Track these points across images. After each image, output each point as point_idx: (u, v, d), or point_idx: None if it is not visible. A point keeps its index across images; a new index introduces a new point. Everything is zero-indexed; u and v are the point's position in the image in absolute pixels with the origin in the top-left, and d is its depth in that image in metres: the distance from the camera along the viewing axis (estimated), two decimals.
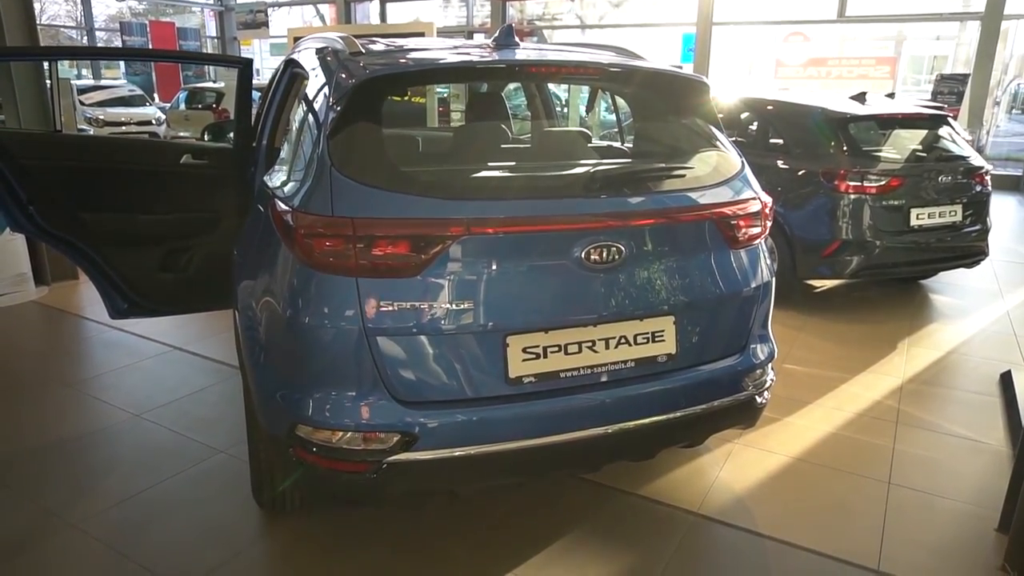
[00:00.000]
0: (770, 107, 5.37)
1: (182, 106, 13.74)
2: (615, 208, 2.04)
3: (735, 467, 2.99)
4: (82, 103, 13.76)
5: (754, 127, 5.53)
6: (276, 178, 2.32)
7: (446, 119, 6.34)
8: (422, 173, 2.13)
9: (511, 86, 4.43)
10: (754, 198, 2.33)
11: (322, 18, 19.60)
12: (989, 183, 5.16)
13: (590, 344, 2.05)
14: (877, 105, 5.21)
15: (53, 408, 3.51)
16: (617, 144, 3.09)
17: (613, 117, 3.66)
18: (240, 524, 2.58)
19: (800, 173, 4.90)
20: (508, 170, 2.24)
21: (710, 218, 2.20)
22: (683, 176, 2.27)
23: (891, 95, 6.64)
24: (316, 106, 2.15)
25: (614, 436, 2.11)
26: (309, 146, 2.10)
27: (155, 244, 3.13)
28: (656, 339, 2.13)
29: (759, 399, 2.42)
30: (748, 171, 2.41)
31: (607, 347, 2.07)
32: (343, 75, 2.12)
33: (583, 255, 1.97)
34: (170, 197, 3.10)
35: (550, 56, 2.38)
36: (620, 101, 3.08)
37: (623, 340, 2.09)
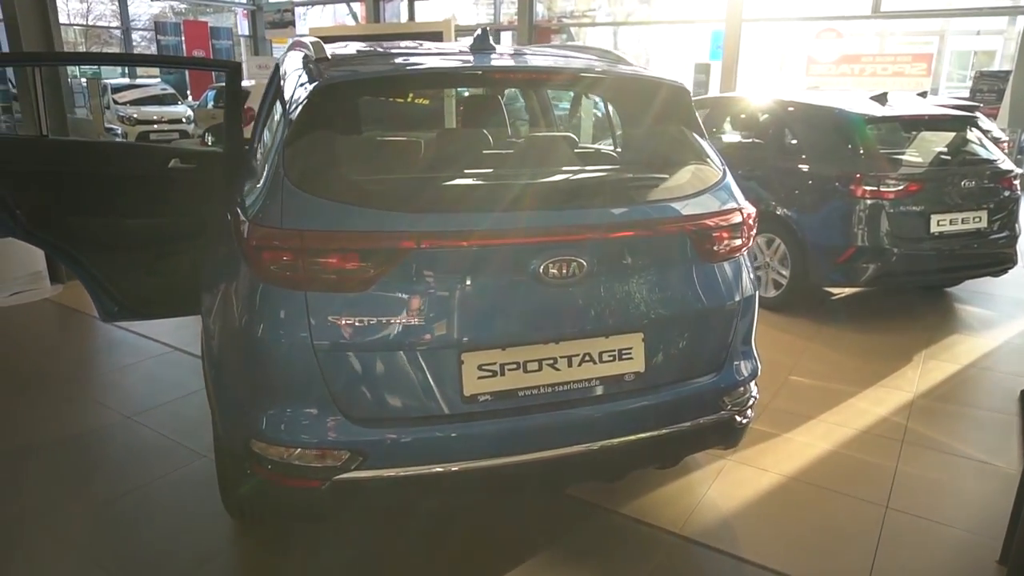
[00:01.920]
0: (785, 108, 5.20)
1: (210, 104, 13.95)
2: (575, 221, 1.95)
3: (725, 485, 2.88)
4: (116, 102, 14.07)
5: (770, 129, 5.35)
6: (245, 186, 2.29)
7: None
8: (379, 183, 2.07)
9: (509, 91, 4.36)
10: (734, 209, 2.22)
11: (354, 16, 19.72)
12: (1019, 187, 4.92)
13: (551, 362, 1.97)
14: (898, 106, 5.00)
15: (50, 407, 3.55)
16: (607, 149, 3.00)
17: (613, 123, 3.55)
18: (213, 532, 2.56)
19: (815, 176, 4.73)
20: (474, 179, 2.17)
21: (682, 230, 2.10)
22: (654, 186, 2.18)
23: (923, 94, 6.40)
24: (276, 114, 2.12)
25: (577, 457, 2.03)
26: (270, 155, 2.07)
27: (142, 248, 3.13)
28: (623, 357, 2.04)
29: (740, 419, 2.31)
30: (730, 180, 2.31)
31: (570, 365, 1.99)
32: (303, 82, 2.08)
33: (541, 270, 1.89)
34: (157, 202, 3.10)
35: (514, 61, 2.31)
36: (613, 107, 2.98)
37: (587, 358, 2.01)
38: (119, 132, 12.86)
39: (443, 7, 18.51)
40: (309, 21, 18.64)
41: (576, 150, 2.79)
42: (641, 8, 15.43)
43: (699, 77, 12.79)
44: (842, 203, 4.56)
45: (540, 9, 15.70)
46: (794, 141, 5.02)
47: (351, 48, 2.44)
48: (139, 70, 18.24)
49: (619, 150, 2.92)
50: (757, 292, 2.38)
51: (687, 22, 14.21)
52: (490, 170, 2.26)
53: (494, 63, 2.25)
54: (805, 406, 3.57)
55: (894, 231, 4.52)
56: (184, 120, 14.14)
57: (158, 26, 16.53)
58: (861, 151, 4.58)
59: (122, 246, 3.12)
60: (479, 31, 2.39)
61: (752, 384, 2.38)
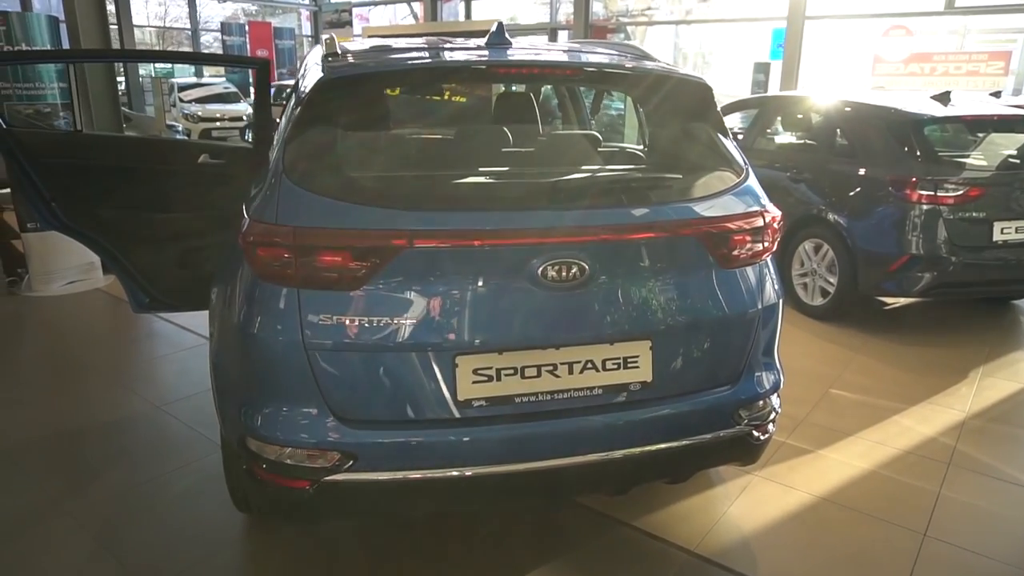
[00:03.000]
0: (838, 107, 4.95)
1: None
2: (577, 222, 1.86)
3: (749, 503, 2.74)
4: (181, 100, 14.59)
5: (821, 129, 5.12)
6: (255, 183, 2.29)
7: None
8: (379, 180, 2.03)
9: (547, 89, 4.27)
10: (756, 212, 2.09)
11: (415, 16, 19.97)
12: None
13: (551, 368, 1.89)
14: (962, 106, 4.69)
15: (86, 394, 3.66)
16: (633, 148, 2.89)
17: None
18: (223, 525, 2.57)
19: (867, 180, 4.49)
20: (476, 178, 2.10)
21: (696, 233, 1.98)
22: (668, 186, 2.07)
23: (996, 94, 6.03)
24: (287, 111, 2.10)
25: (577, 469, 1.94)
26: (274, 152, 2.05)
27: (172, 241, 3.19)
28: (629, 365, 1.95)
29: (757, 435, 2.18)
30: (753, 181, 2.18)
31: (570, 372, 1.91)
32: (308, 79, 2.06)
33: (539, 272, 1.82)
34: (187, 196, 3.15)
35: (523, 57, 2.23)
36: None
37: (589, 365, 1.92)
38: (179, 129, 13.33)
39: (502, 6, 18.53)
40: (373, 20, 18.99)
41: (600, 149, 2.70)
42: (700, 7, 15.07)
43: (758, 77, 12.43)
44: (895, 208, 4.31)
45: (598, 8, 15.53)
46: (846, 142, 4.78)
47: (367, 44, 2.41)
48: (206, 70, 18.88)
49: (646, 149, 2.81)
50: (781, 300, 2.24)
51: (748, 20, 13.80)
52: (497, 169, 2.19)
53: (499, 58, 2.19)
54: (844, 422, 3.38)
55: (952, 239, 4.24)
56: (244, 118, 14.55)
57: (224, 27, 17.09)
58: (917, 153, 4.31)
59: (153, 239, 3.18)
60: (495, 25, 2.33)
61: (774, 398, 2.24)
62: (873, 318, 4.80)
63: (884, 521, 2.63)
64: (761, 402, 2.18)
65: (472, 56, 2.27)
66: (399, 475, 1.85)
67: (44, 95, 5.12)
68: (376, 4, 17.63)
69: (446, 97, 5.06)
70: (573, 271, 1.83)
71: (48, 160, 2.93)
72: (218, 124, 14.28)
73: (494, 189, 2.01)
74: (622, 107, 10.11)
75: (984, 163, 4.48)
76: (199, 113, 14.38)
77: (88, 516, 2.62)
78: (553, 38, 15.80)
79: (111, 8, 16.60)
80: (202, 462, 2.99)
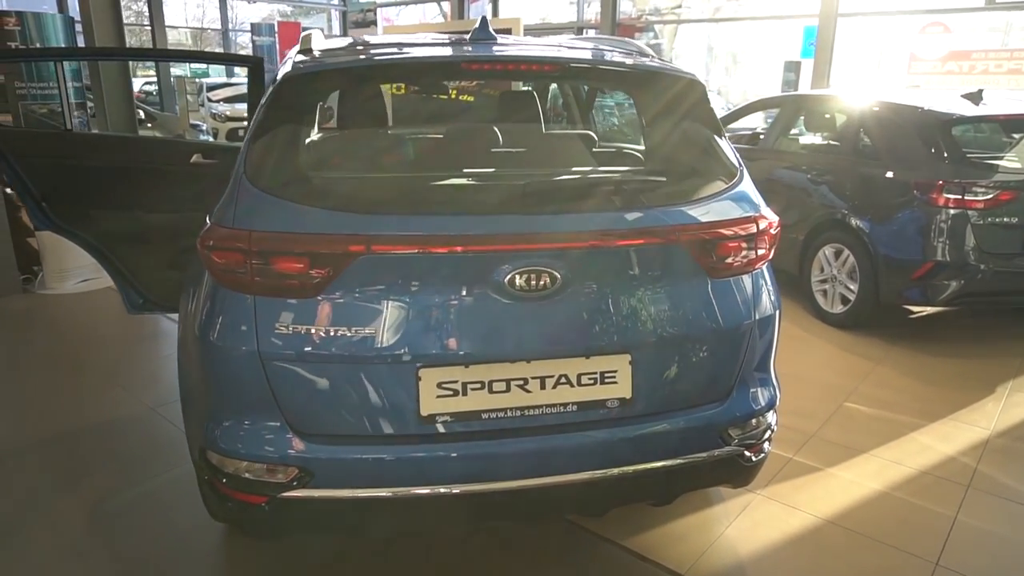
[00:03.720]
0: (862, 107, 4.74)
1: None
2: (548, 228, 1.75)
3: (748, 523, 2.59)
4: (210, 99, 14.74)
5: (845, 129, 4.92)
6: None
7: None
8: (341, 182, 1.94)
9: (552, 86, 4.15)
10: (748, 218, 1.95)
11: (444, 16, 19.93)
12: None
13: (521, 383, 1.78)
14: (995, 105, 4.45)
15: (83, 394, 3.65)
16: (630, 149, 2.75)
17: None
18: (201, 533, 2.51)
19: (890, 182, 4.28)
20: (446, 180, 2.00)
21: (680, 241, 1.85)
22: (652, 190, 1.94)
23: None
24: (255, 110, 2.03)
25: (550, 490, 1.83)
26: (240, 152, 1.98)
27: (164, 242, 3.15)
28: (606, 380, 1.82)
29: (750, 455, 2.04)
30: (747, 184, 2.03)
31: (543, 387, 1.79)
32: (275, 77, 1.97)
33: (507, 281, 1.70)
34: (179, 196, 3.10)
35: (500, 52, 2.12)
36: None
37: (563, 380, 1.80)
38: (205, 128, 13.46)
39: (530, 6, 18.42)
40: (403, 20, 18.99)
41: (595, 150, 2.58)
42: (729, 4, 14.78)
43: (788, 76, 12.11)
44: (920, 213, 4.10)
45: (628, 7, 15.32)
46: (870, 143, 4.57)
47: (343, 41, 2.32)
48: (238, 69, 19.08)
49: (644, 150, 2.68)
50: (778, 312, 2.09)
51: (778, 18, 13.48)
52: (474, 171, 2.08)
53: (469, 54, 2.08)
54: (857, 438, 3.20)
55: (981, 245, 4.02)
56: None
57: (254, 28, 17.23)
58: (945, 155, 4.10)
59: (145, 240, 3.15)
60: (479, 20, 2.22)
61: (769, 415, 2.10)
62: (897, 328, 4.58)
63: (893, 547, 2.46)
64: (754, 420, 2.05)
65: (445, 52, 2.17)
66: (358, 493, 1.76)
67: (57, 95, 5.16)
68: (401, 4, 17.64)
69: (446, 96, 4.96)
70: (543, 280, 1.71)
71: (37, 160, 2.91)
72: (245, 123, 14.39)
73: (461, 192, 1.91)
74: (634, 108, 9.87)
75: (1018, 165, 4.24)
76: (227, 112, 14.51)
77: (69, 521, 2.58)
78: (580, 35, 15.64)
79: (144, 9, 16.90)
80: (187, 467, 2.94)
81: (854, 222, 4.41)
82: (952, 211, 4.01)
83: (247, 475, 1.79)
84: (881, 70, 12.66)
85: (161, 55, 4.82)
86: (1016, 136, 4.43)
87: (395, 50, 2.15)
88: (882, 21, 12.19)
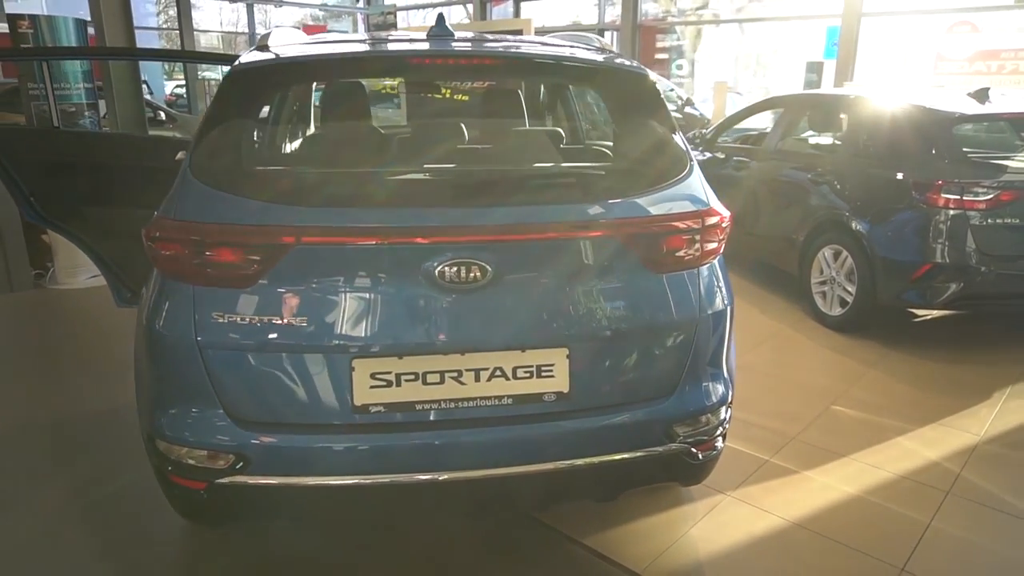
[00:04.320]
0: (863, 106, 4.65)
1: None
2: (476, 220, 1.75)
3: (713, 524, 2.56)
4: None
5: (846, 129, 4.83)
6: None
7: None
8: (281, 175, 1.97)
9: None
10: (693, 213, 1.93)
11: (469, 18, 20.04)
12: None
13: (455, 375, 1.79)
14: (1001, 103, 4.34)
15: (80, 386, 3.73)
16: (600, 146, 2.74)
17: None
18: (171, 528, 2.54)
19: (889, 182, 4.19)
20: (384, 173, 2.01)
21: (619, 235, 1.84)
22: (591, 183, 1.93)
23: None
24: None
25: (484, 484, 1.83)
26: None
27: None
28: (543, 374, 1.82)
29: (698, 453, 2.02)
30: (695, 177, 2.01)
31: (477, 380, 1.80)
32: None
33: (436, 273, 1.71)
34: (164, 192, 3.17)
35: (447, 47, 2.12)
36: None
37: (498, 373, 1.80)
38: None
39: (552, 7, 18.42)
40: (429, 23, 19.13)
41: (562, 146, 2.58)
42: (752, 5, 14.59)
43: (810, 77, 11.91)
44: (918, 213, 4.01)
45: (653, 8, 15.24)
46: (870, 142, 4.48)
47: (306, 37, 2.35)
48: None
49: (613, 146, 2.66)
50: (730, 308, 2.07)
51: (800, 18, 13.29)
52: (426, 165, 2.08)
53: (411, 49, 2.09)
54: (839, 441, 3.14)
55: (982, 247, 3.91)
56: None
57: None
58: (944, 154, 4.00)
59: (132, 235, 3.21)
60: (436, 16, 2.23)
61: (720, 412, 2.07)
62: (897, 331, 4.48)
63: (860, 552, 2.41)
64: (704, 417, 2.02)
65: (391, 48, 2.18)
66: (292, 480, 1.78)
67: (70, 95, 5.31)
68: (419, 7, 17.77)
69: (462, 97, 4.99)
70: (473, 272, 1.72)
71: (26, 156, 3.00)
72: None
73: (395, 185, 1.92)
74: None
75: (1022, 165, 4.12)
76: None
77: (46, 512, 2.63)
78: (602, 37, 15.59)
79: (174, 13, 17.27)
80: None
81: (852, 223, 4.33)
82: (951, 212, 3.91)
83: (189, 461, 1.83)
84: (906, 71, 12.39)
85: (140, 54, 4.90)
86: (1020, 135, 4.32)
87: (346, 47, 2.17)
88: (908, 20, 11.94)
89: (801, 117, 5.41)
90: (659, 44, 15.37)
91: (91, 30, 5.53)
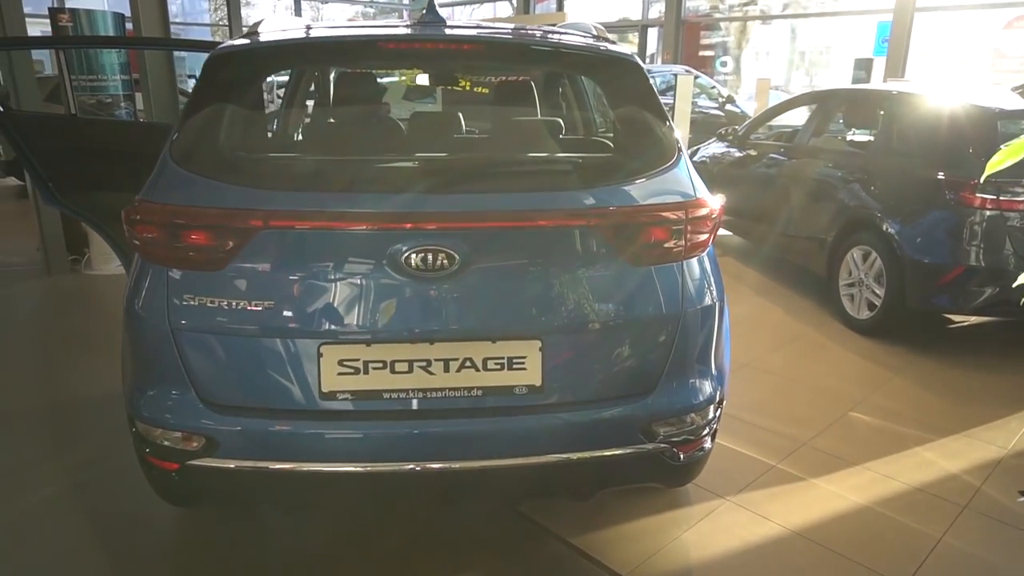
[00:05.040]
0: (900, 102, 4.46)
1: None
2: (445, 207, 1.71)
3: (708, 529, 2.47)
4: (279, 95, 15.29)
5: (881, 126, 4.64)
6: None
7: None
8: (256, 160, 1.96)
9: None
10: (676, 203, 1.85)
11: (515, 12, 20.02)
12: None
13: (424, 364, 1.75)
14: None
15: (95, 369, 3.82)
16: (602, 137, 2.67)
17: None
18: (161, 516, 2.56)
19: (921, 181, 4.00)
20: (358, 159, 1.98)
21: (594, 225, 1.78)
22: (571, 172, 1.87)
23: None
24: None
25: (451, 476, 1.79)
26: None
27: None
28: (514, 366, 1.77)
29: (678, 453, 1.94)
30: (682, 168, 1.93)
31: (446, 370, 1.76)
32: None
33: (403, 260, 1.68)
34: None
35: (417, 32, 2.08)
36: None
37: (468, 363, 1.76)
38: None
39: (596, 3, 18.27)
40: (479, 17, 19.23)
41: (562, 137, 2.52)
42: (800, 0, 14.20)
43: (858, 74, 11.52)
44: (950, 213, 3.82)
45: (697, 3, 14.97)
46: (904, 139, 4.29)
47: (297, 23, 2.35)
48: None
49: (614, 137, 2.59)
50: (719, 303, 1.97)
51: (851, 13, 12.86)
52: (400, 154, 2.05)
53: (387, 33, 2.05)
54: (853, 449, 3.01)
55: (1020, 250, 3.71)
56: None
57: None
58: (983, 152, 3.80)
59: None
60: (427, 2, 2.20)
61: (706, 412, 1.99)
62: (927, 337, 4.28)
63: (861, 565, 2.29)
64: (689, 416, 1.95)
65: (370, 33, 2.15)
66: (259, 465, 1.77)
67: (106, 86, 5.46)
68: (465, 4, 17.81)
69: (482, 90, 4.97)
70: (440, 260, 1.68)
71: (44, 143, 3.08)
72: None
73: (368, 171, 1.89)
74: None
75: None
76: None
77: (41, 495, 2.67)
78: (643, 35, 15.39)
79: (224, 12, 17.68)
80: None
81: (882, 223, 4.15)
82: (987, 212, 3.72)
83: (164, 443, 1.84)
84: (962, 69, 11.88)
85: (137, 43, 4.97)
86: None
87: (326, 33, 2.15)
88: (964, 16, 11.45)
89: (835, 113, 5.22)
90: (703, 41, 15.10)
91: (130, 25, 5.68)
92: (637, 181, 1.85)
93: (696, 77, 11.61)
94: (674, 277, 1.86)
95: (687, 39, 14.63)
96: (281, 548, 2.35)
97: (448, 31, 2.12)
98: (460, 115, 2.45)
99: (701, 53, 15.14)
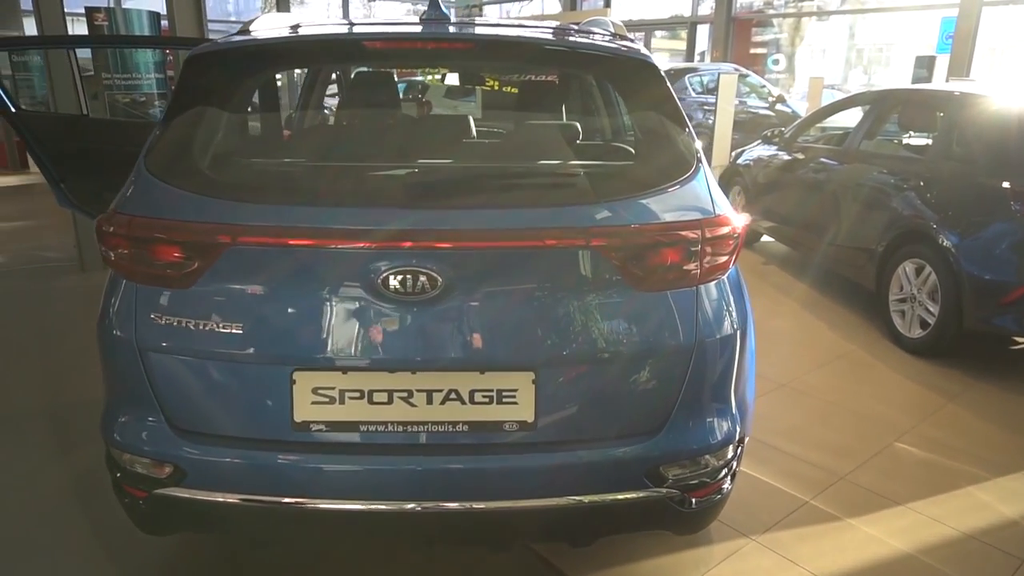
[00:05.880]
0: (961, 104, 4.12)
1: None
2: (428, 224, 1.55)
3: (730, 572, 2.26)
4: None
5: (940, 130, 4.30)
6: None
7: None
8: (232, 169, 1.83)
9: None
10: (691, 222, 1.64)
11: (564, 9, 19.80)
12: None
13: (405, 395, 1.60)
14: None
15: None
16: (623, 144, 2.47)
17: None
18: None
19: (984, 190, 3.68)
20: (346, 169, 1.83)
21: (594, 245, 1.58)
22: (575, 185, 1.69)
23: None
24: None
25: (433, 517, 1.63)
26: None
27: None
28: (504, 400, 1.60)
29: (689, 499, 1.74)
30: (700, 181, 1.72)
31: (429, 402, 1.60)
32: None
33: (380, 281, 1.53)
34: None
35: (428, 31, 1.91)
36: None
37: (453, 396, 1.60)
38: None
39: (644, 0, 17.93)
40: (524, 15, 19.11)
41: (579, 142, 2.34)
42: None
43: (919, 73, 10.93)
44: (1016, 226, 3.49)
45: None
46: (965, 144, 3.96)
47: (294, 20, 2.21)
48: None
49: (628, 145, 2.38)
50: (742, 332, 1.76)
51: (912, 8, 12.25)
52: (389, 160, 1.89)
53: (370, 32, 1.89)
54: (897, 486, 2.74)
55: None
56: None
57: None
58: None
59: None
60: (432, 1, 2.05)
61: (727, 452, 1.79)
62: (986, 360, 3.94)
63: None
64: (703, 459, 1.75)
65: (354, 31, 2.01)
66: (228, 498, 1.65)
67: (141, 85, 5.49)
68: (508, 1, 17.68)
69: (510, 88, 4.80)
70: (421, 282, 1.52)
71: (54, 143, 3.04)
72: None
73: (349, 183, 1.74)
74: None
75: None
76: None
77: (39, 495, 2.64)
78: (692, 32, 15.00)
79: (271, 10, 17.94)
80: None
81: (937, 234, 3.83)
82: None
83: (134, 468, 1.74)
84: None
85: (107, 42, 4.91)
86: None
87: (312, 32, 2.01)
88: None
89: (890, 115, 4.88)
90: (755, 38, 14.63)
91: (165, 23, 5.70)
92: (648, 196, 1.65)
93: (745, 76, 11.22)
94: (688, 303, 1.66)
95: (738, 36, 14.20)
96: (282, 561, 2.24)
97: (451, 28, 1.96)
98: (471, 118, 2.29)
99: (752, 51, 14.68)
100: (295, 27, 2.04)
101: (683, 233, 1.62)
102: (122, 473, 1.77)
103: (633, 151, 1.86)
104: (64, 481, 2.72)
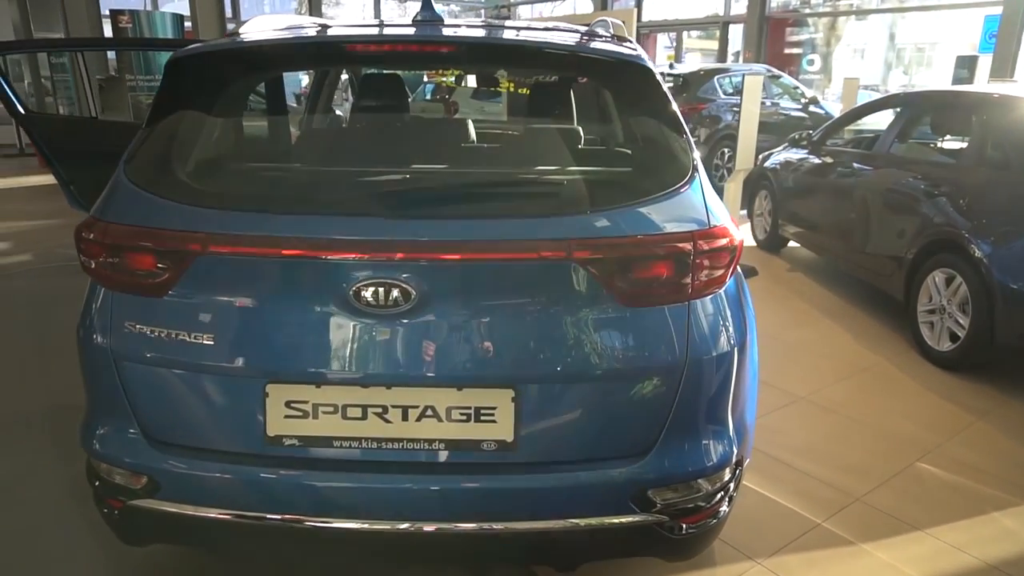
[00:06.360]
0: (994, 105, 3.94)
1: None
2: (401, 235, 1.48)
3: None
4: None
5: (974, 134, 4.11)
6: None
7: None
8: (208, 176, 1.79)
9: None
10: (682, 233, 1.55)
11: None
12: None
13: (379, 411, 1.54)
14: None
15: None
16: (623, 149, 2.37)
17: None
18: None
19: (1018, 197, 3.50)
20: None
21: (576, 258, 1.51)
22: (559, 194, 1.61)
23: None
24: None
25: (408, 538, 1.57)
26: None
27: None
28: (482, 418, 1.53)
29: (679, 525, 1.65)
30: (696, 190, 1.63)
31: (404, 418, 1.54)
32: None
33: (352, 293, 1.47)
34: None
35: (394, 33, 1.85)
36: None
37: (429, 412, 1.53)
38: None
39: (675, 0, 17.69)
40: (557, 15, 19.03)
41: (580, 147, 2.25)
42: None
43: (960, 73, 10.56)
44: None
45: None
46: (1000, 148, 3.78)
47: (294, 22, 2.17)
48: None
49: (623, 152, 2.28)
50: (740, 349, 1.67)
51: (953, 7, 11.85)
52: (376, 166, 1.83)
53: (355, 34, 1.83)
54: (918, 509, 2.60)
55: None
56: None
57: None
58: None
59: None
60: (423, 1, 1.98)
61: (723, 475, 1.69)
62: (1019, 375, 3.75)
63: None
64: (696, 483, 1.65)
65: (338, 35, 1.95)
66: (199, 511, 1.61)
67: None
68: (539, 1, 17.58)
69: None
70: (394, 295, 1.46)
71: (64, 146, 3.05)
72: None
73: (326, 190, 1.69)
74: None
75: None
76: None
77: (34, 498, 2.64)
78: (724, 32, 14.73)
79: (305, 11, 18.14)
80: None
81: (968, 243, 3.66)
82: None
83: (110, 478, 1.71)
84: None
85: (92, 44, 4.91)
86: None
87: (296, 35, 1.96)
88: None
89: (923, 118, 4.69)
90: (789, 38, 14.32)
91: (188, 24, 5.76)
92: (637, 206, 1.56)
93: (778, 77, 10.98)
94: (679, 319, 1.57)
95: (772, 36, 13.90)
96: (277, 569, 2.20)
97: (442, 31, 1.89)
98: (469, 122, 2.23)
99: (787, 51, 14.36)
100: (285, 29, 2.00)
101: (673, 245, 1.53)
102: (100, 483, 1.74)
103: (629, 158, 1.78)
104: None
